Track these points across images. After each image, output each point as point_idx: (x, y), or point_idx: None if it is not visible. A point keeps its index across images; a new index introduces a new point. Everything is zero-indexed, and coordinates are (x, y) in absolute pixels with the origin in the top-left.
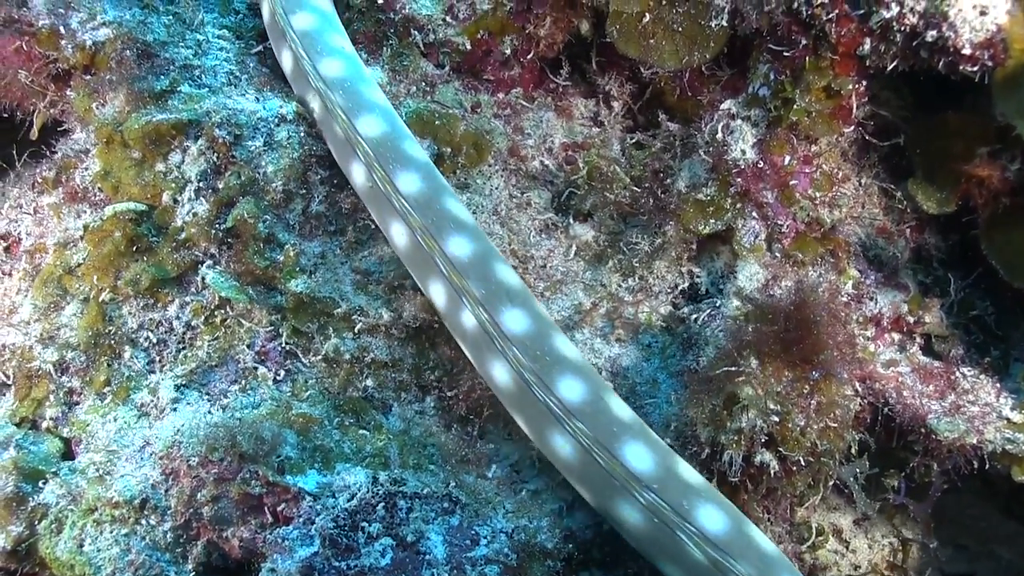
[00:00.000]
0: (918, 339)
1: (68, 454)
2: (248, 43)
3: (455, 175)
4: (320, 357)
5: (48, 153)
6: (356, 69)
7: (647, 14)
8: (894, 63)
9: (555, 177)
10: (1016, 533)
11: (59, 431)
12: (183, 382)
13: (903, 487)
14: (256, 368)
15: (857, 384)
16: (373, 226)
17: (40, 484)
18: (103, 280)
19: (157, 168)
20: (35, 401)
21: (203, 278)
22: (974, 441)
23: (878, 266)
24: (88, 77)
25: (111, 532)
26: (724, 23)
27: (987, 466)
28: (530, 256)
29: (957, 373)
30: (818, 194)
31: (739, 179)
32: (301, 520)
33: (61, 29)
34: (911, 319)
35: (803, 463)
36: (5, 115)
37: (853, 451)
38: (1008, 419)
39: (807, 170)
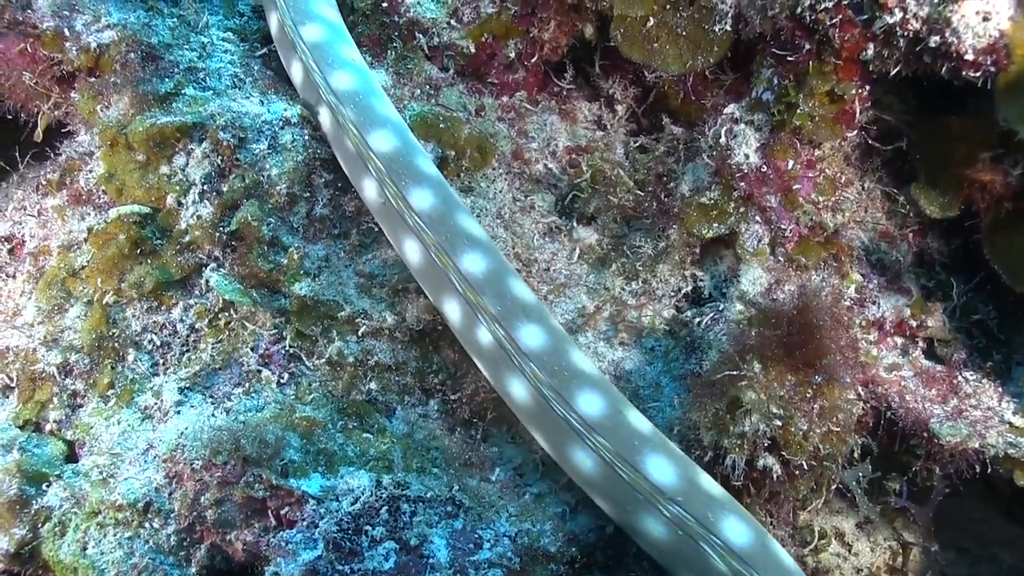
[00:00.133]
0: (921, 343)
1: (71, 457)
2: (252, 46)
3: (459, 178)
4: (324, 360)
5: (52, 155)
6: (367, 82)
7: (651, 18)
8: (897, 68)
9: (559, 180)
10: (1018, 537)
11: (63, 434)
12: (187, 385)
13: (905, 491)
14: (260, 371)
15: (860, 388)
16: (377, 229)
17: (43, 487)
18: (107, 283)
19: (161, 171)
20: (39, 404)
21: (207, 281)
22: (976, 445)
23: (881, 270)
24: (92, 79)
25: (114, 535)
26: (728, 27)
27: (989, 470)
28: (534, 259)
29: (959, 377)
30: (821, 198)
31: (742, 183)
32: (305, 524)
33: (65, 31)
34: (914, 323)
35: (806, 467)
36: (9, 117)
37: (856, 455)
38: (1010, 423)
39: (810, 174)
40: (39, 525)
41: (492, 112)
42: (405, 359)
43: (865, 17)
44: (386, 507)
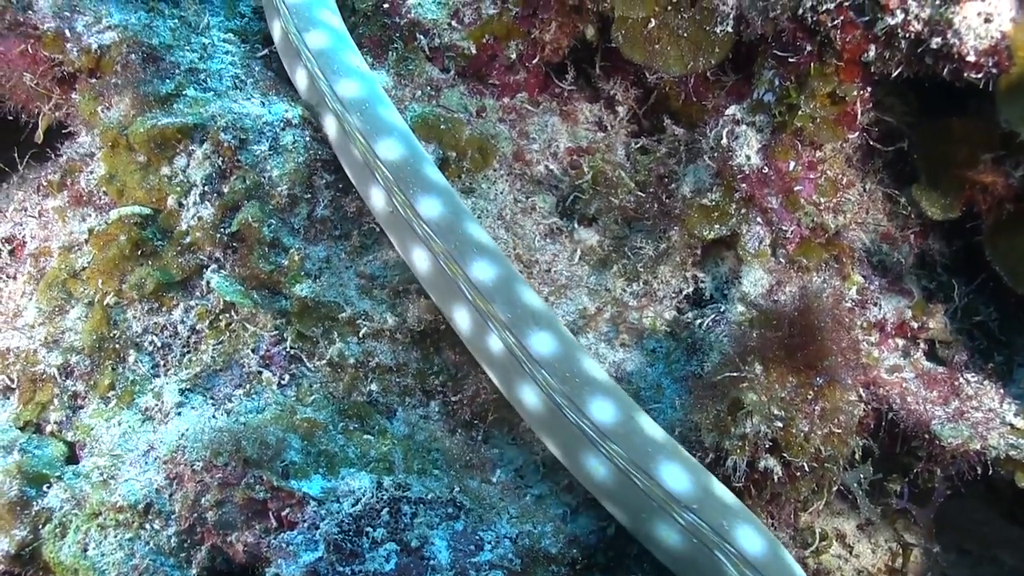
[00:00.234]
0: (922, 345)
1: (72, 458)
2: (253, 47)
3: (460, 180)
4: (325, 361)
5: (53, 156)
6: (373, 90)
7: (652, 19)
8: (899, 69)
9: (560, 182)
10: (1019, 538)
11: (63, 435)
12: (187, 386)
13: (906, 492)
14: (260, 372)
15: (861, 390)
16: (378, 231)
17: (44, 488)
18: (108, 284)
19: (162, 172)
20: (39, 405)
21: (208, 282)
22: (978, 447)
23: (882, 271)
24: (93, 80)
25: (115, 536)
26: (729, 29)
27: (990, 471)
28: (535, 261)
29: (961, 379)
30: (822, 200)
31: (744, 184)
32: (305, 525)
33: (66, 32)
34: (915, 325)
35: (807, 468)
36: (10, 118)
37: (857, 456)
38: (1012, 425)
39: (811, 176)
40: (40, 526)
41: (493, 113)
42: (406, 360)
43: (867, 18)
44: (387, 508)
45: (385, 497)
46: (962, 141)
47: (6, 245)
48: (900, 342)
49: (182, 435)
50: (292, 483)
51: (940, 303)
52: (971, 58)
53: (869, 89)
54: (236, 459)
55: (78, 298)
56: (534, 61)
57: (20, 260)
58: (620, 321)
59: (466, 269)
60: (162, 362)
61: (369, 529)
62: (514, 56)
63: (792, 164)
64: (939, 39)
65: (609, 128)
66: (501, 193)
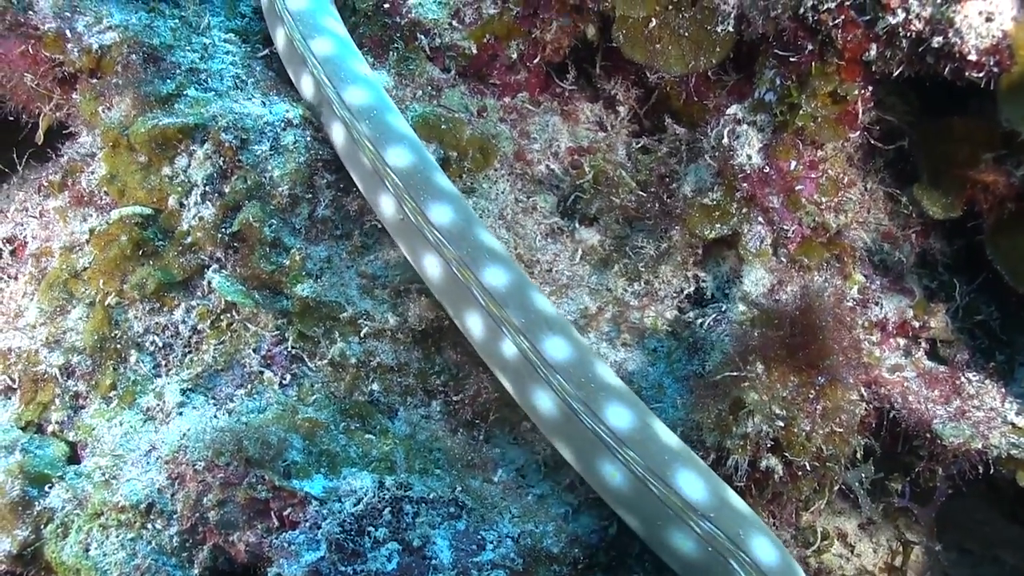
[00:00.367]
0: (923, 344)
1: (74, 458)
2: (254, 47)
3: (461, 179)
4: (326, 361)
5: (54, 157)
6: (381, 98)
7: (653, 19)
8: (900, 68)
9: (561, 181)
10: (1020, 537)
11: (65, 435)
12: (189, 386)
13: (907, 491)
14: (262, 372)
15: (862, 389)
16: (379, 231)
17: (46, 488)
18: (109, 284)
19: (163, 172)
20: (41, 405)
21: (209, 282)
22: (979, 446)
23: (883, 271)
24: (94, 81)
25: (117, 536)
26: (730, 28)
27: (992, 471)
28: (536, 260)
29: (962, 378)
30: (824, 199)
31: (745, 184)
32: (307, 525)
33: (67, 33)
34: (916, 324)
35: (808, 468)
36: (11, 118)
37: (858, 456)
38: (1013, 424)
39: (813, 175)
40: (41, 526)
41: (494, 113)
42: (407, 360)
43: (868, 18)
44: (389, 508)
45: (387, 497)
46: (963, 140)
47: (7, 245)
48: (901, 341)
49: (184, 435)
50: (294, 483)
51: (941, 302)
52: (972, 57)
53: (870, 88)
54: (238, 459)
55: (79, 298)
56: (535, 61)
57: (21, 260)
58: (621, 321)
59: (479, 275)
60: (163, 362)
61: (371, 529)
62: (515, 56)
63: (793, 163)
64: (940, 38)
65: (610, 128)
66: (502, 193)
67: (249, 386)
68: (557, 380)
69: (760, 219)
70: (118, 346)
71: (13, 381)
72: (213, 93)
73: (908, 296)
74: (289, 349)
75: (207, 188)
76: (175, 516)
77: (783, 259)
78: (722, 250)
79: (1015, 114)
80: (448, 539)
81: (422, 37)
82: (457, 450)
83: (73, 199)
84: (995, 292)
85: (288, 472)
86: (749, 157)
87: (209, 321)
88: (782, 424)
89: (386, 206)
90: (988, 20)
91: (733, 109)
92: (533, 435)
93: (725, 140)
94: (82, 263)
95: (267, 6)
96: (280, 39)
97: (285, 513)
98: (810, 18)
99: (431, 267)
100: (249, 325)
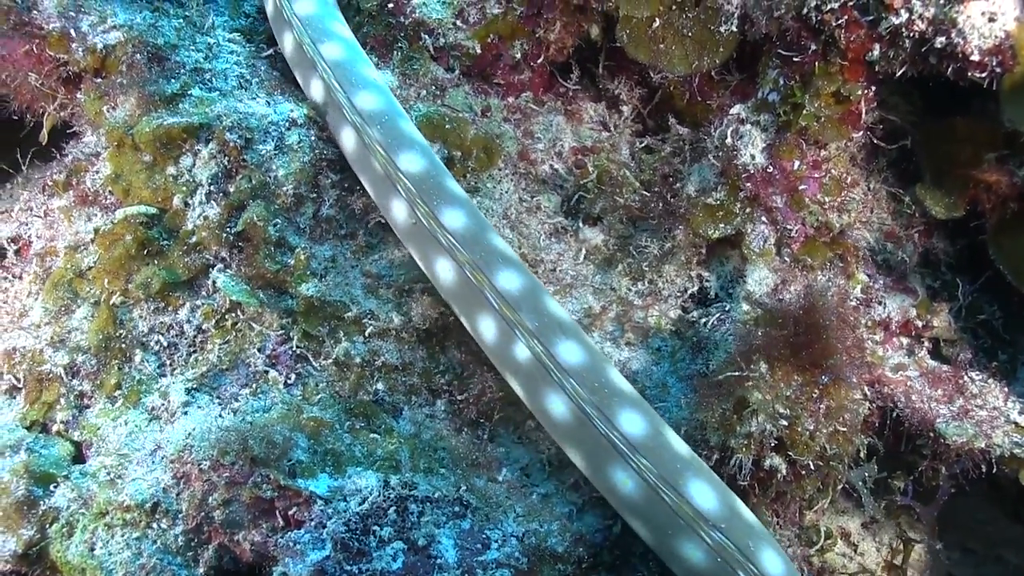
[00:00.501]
0: (926, 343)
1: (79, 458)
2: (258, 47)
3: (465, 179)
4: (331, 361)
5: (58, 156)
6: (391, 103)
7: (657, 19)
8: (903, 69)
9: (565, 181)
10: (1023, 537)
11: (70, 435)
12: (194, 386)
13: (910, 490)
14: (267, 372)
15: (866, 388)
16: (384, 230)
17: (51, 488)
18: (114, 283)
19: (168, 172)
20: (45, 404)
21: (214, 282)
22: (982, 445)
23: (887, 270)
24: (98, 80)
25: (122, 536)
26: (734, 28)
27: (995, 470)
28: (540, 260)
29: (965, 377)
30: (827, 199)
31: (748, 184)
32: (312, 524)
33: (71, 32)
34: (919, 323)
35: (812, 467)
36: (15, 118)
37: (862, 455)
38: (1016, 423)
39: (816, 175)
40: (47, 526)
41: (498, 113)
42: (412, 359)
43: (871, 18)
44: (394, 507)
45: (392, 496)
46: (966, 140)
47: (12, 245)
48: (904, 340)
49: (189, 434)
50: (299, 482)
51: (944, 302)
52: (975, 57)
53: (873, 88)
54: (243, 458)
55: (84, 298)
56: (539, 61)
57: (26, 260)
58: (625, 320)
59: (492, 279)
60: (168, 361)
61: (376, 528)
62: (519, 56)
63: (797, 163)
64: (943, 38)
65: (614, 127)
66: (506, 192)
67: (254, 385)
68: (571, 384)
69: (764, 219)
70: (123, 345)
71: (18, 380)
72: (217, 93)
73: (911, 295)
74: (294, 348)
75: (212, 187)
76: (180, 515)
77: (787, 259)
78: (726, 250)
79: (1018, 114)
80: (453, 538)
81: (426, 37)
82: (462, 449)
83: (78, 198)
84: (997, 291)
85: (293, 471)
86: (753, 157)
87: (214, 320)
88: (786, 423)
89: (398, 211)
90: (991, 20)
91: (737, 109)
92: (537, 434)
93: (729, 140)
94: (87, 262)
95: (273, 12)
96: (288, 44)
97: (290, 512)
98: (813, 18)
99: (443, 271)
100: (254, 324)
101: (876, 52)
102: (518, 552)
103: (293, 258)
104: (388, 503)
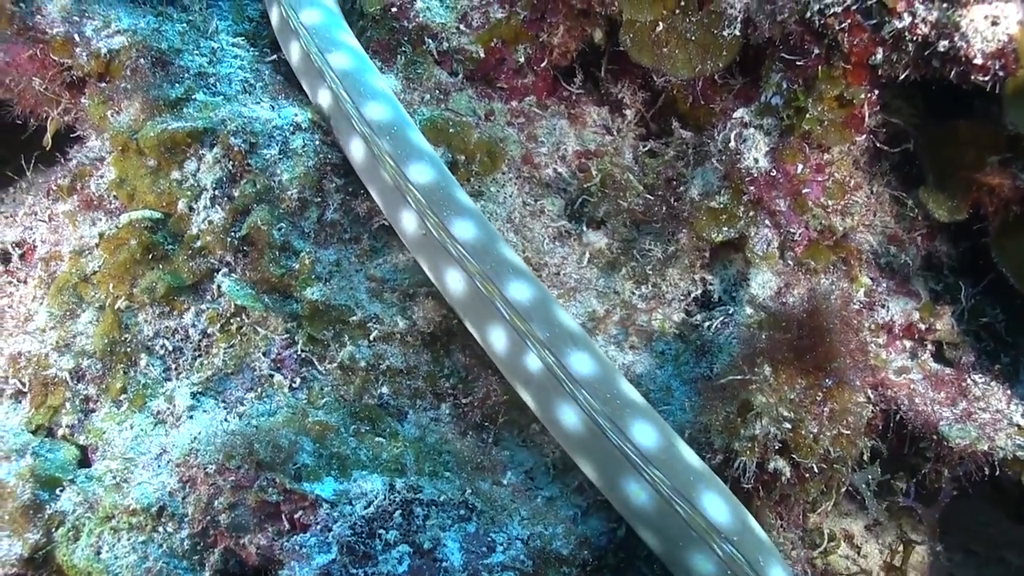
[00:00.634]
0: (929, 346)
1: (84, 462)
2: (262, 51)
3: (469, 183)
4: (336, 364)
5: (63, 161)
6: (400, 113)
7: (661, 23)
8: (906, 72)
9: (568, 185)
10: None
11: (75, 438)
12: (199, 390)
13: (912, 492)
14: (272, 376)
15: (869, 391)
16: (388, 234)
17: (57, 491)
18: (119, 288)
19: (172, 176)
20: (51, 408)
21: (219, 286)
22: (985, 448)
23: (890, 273)
24: (102, 85)
25: (128, 539)
26: (737, 32)
27: (997, 472)
28: (544, 263)
29: (968, 380)
30: (830, 202)
31: (752, 187)
32: (318, 527)
33: (75, 37)
34: (922, 326)
35: (816, 470)
36: (19, 122)
37: (865, 457)
38: (1019, 425)
39: (819, 178)
40: (53, 530)
41: (501, 116)
42: (416, 363)
43: (874, 22)
44: (399, 511)
45: (397, 499)
46: (969, 143)
47: (17, 249)
48: (908, 343)
49: (194, 438)
50: (305, 486)
51: (947, 305)
52: (978, 61)
53: (876, 92)
54: (249, 462)
55: (89, 302)
56: (542, 65)
57: (31, 264)
58: (629, 323)
59: (503, 289)
60: (173, 366)
61: (382, 531)
62: (522, 60)
63: (800, 167)
64: (946, 42)
65: (617, 131)
66: (510, 196)
67: (259, 389)
68: (583, 395)
69: (767, 222)
70: (128, 350)
71: (23, 385)
72: (222, 97)
73: (914, 298)
74: (299, 352)
75: (216, 192)
76: (186, 519)
77: (790, 262)
78: (729, 253)
79: (1020, 117)
80: (458, 541)
81: (430, 41)
82: (466, 452)
83: (82, 203)
84: (1000, 294)
85: (299, 475)
86: (756, 160)
87: (219, 325)
88: (790, 426)
89: (407, 222)
90: (994, 24)
91: (740, 113)
92: (542, 437)
93: (732, 143)
94: (92, 267)
95: (278, 22)
96: (295, 53)
97: (296, 516)
98: (816, 22)
99: (454, 282)
100: (259, 328)
101: (879, 56)
102: (523, 555)
103: (298, 262)
104: (394, 507)
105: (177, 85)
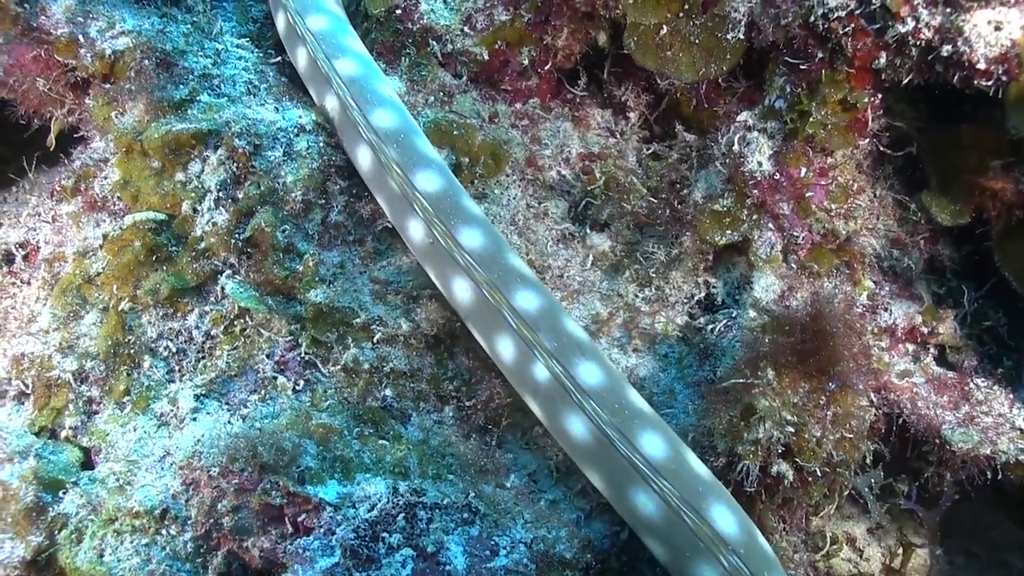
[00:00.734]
0: (932, 350)
1: (88, 464)
2: (266, 52)
3: (473, 185)
4: (339, 367)
5: (66, 162)
6: (407, 121)
7: (665, 26)
8: (909, 76)
9: (572, 187)
10: None
11: (78, 440)
12: (203, 392)
13: (914, 495)
14: (275, 378)
15: (872, 395)
16: (392, 236)
17: (60, 494)
18: (122, 289)
19: (176, 178)
20: (54, 410)
21: (222, 288)
22: (987, 451)
23: (893, 277)
24: (107, 86)
25: (131, 542)
26: (741, 36)
27: (1000, 476)
28: (547, 266)
29: (971, 384)
30: (834, 206)
31: (755, 191)
32: (322, 531)
33: (80, 38)
34: (925, 330)
35: (819, 473)
36: (23, 122)
37: (868, 461)
38: (1021, 429)
39: (823, 182)
40: (56, 532)
41: (505, 119)
42: (420, 366)
43: (878, 26)
44: (403, 514)
45: (401, 502)
46: (972, 148)
47: (20, 250)
48: (910, 347)
49: (198, 440)
50: (308, 488)
51: (950, 308)
52: (981, 65)
53: (880, 96)
54: (252, 464)
55: (93, 303)
56: (546, 67)
57: (34, 265)
58: (632, 326)
59: (510, 298)
60: (177, 367)
61: (385, 534)
62: (526, 62)
63: (803, 170)
64: (949, 46)
65: (621, 134)
66: (513, 199)
67: (263, 392)
68: (591, 405)
69: (770, 225)
70: (132, 351)
71: (26, 386)
72: (226, 99)
73: (917, 302)
74: (302, 355)
75: (220, 194)
76: (189, 522)
77: (793, 265)
78: (733, 256)
79: (1023, 122)
80: (462, 545)
81: (434, 43)
82: (470, 455)
83: (86, 204)
84: (1003, 298)
85: (302, 478)
86: (759, 164)
87: (223, 327)
88: (793, 430)
89: (415, 230)
90: (997, 29)
91: (743, 116)
92: (545, 440)
93: (736, 147)
94: (95, 268)
95: (285, 28)
96: (302, 59)
97: (299, 519)
98: (820, 26)
99: (461, 291)
100: (262, 331)
101: (883, 60)
102: (527, 558)
103: (302, 264)
104: (397, 510)
105: (181, 86)
